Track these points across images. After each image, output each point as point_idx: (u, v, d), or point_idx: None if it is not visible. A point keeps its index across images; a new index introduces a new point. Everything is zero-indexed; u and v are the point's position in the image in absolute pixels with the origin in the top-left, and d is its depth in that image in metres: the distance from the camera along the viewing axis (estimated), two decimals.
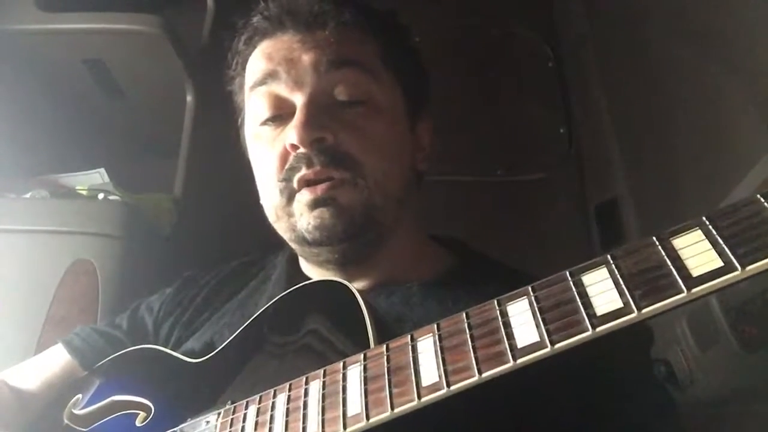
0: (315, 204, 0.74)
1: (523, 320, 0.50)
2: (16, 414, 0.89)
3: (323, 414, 0.57)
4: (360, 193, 0.74)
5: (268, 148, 0.78)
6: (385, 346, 0.57)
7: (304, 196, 0.74)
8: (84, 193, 1.59)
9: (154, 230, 1.51)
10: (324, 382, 0.59)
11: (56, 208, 1.47)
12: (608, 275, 0.48)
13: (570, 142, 2.05)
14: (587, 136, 2.00)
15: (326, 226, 0.73)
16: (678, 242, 0.46)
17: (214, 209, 1.70)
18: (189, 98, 1.66)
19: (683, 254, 0.45)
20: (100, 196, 1.56)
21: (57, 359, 0.95)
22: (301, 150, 0.74)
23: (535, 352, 0.48)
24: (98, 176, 1.66)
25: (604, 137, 1.82)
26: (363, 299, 0.66)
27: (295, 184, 0.75)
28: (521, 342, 0.49)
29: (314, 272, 0.85)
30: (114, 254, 1.39)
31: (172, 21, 1.57)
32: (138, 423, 0.76)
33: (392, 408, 0.52)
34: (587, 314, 0.47)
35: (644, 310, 0.45)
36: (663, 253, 0.46)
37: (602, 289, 0.47)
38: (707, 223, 0.46)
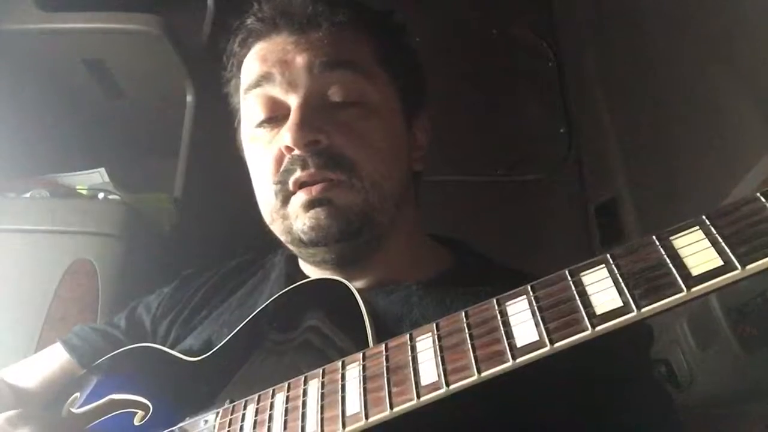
0: (310, 205, 0.74)
1: (522, 319, 0.50)
2: None
3: (322, 413, 0.56)
4: (356, 194, 0.74)
5: (264, 150, 0.78)
6: (384, 345, 0.57)
7: (300, 198, 0.74)
8: (84, 193, 1.59)
9: (154, 230, 1.51)
10: (323, 382, 0.59)
11: (56, 208, 1.46)
12: (608, 274, 0.48)
13: (570, 142, 2.05)
14: (587, 136, 2.00)
15: (322, 227, 0.73)
16: (678, 241, 0.46)
17: (214, 209, 1.70)
18: (189, 98, 1.66)
19: (683, 253, 0.45)
20: (100, 196, 1.56)
21: (56, 358, 0.95)
22: (296, 152, 0.73)
23: (534, 351, 0.48)
24: (98, 176, 1.66)
25: (604, 137, 1.82)
26: (362, 298, 0.66)
27: (290, 187, 0.75)
28: (520, 341, 0.49)
29: (313, 272, 0.85)
30: (114, 254, 1.39)
31: (172, 21, 1.57)
32: (136, 422, 0.76)
33: (391, 407, 0.52)
34: (587, 313, 0.47)
35: (644, 309, 0.45)
36: (663, 252, 0.46)
37: (602, 288, 0.47)
38: (707, 222, 0.46)
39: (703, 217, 0.46)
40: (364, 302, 0.66)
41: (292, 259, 0.88)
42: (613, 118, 1.80)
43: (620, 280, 0.47)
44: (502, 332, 0.50)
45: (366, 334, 0.63)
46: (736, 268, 0.43)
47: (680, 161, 1.42)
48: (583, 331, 0.47)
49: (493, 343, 0.50)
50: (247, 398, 0.65)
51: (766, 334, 1.06)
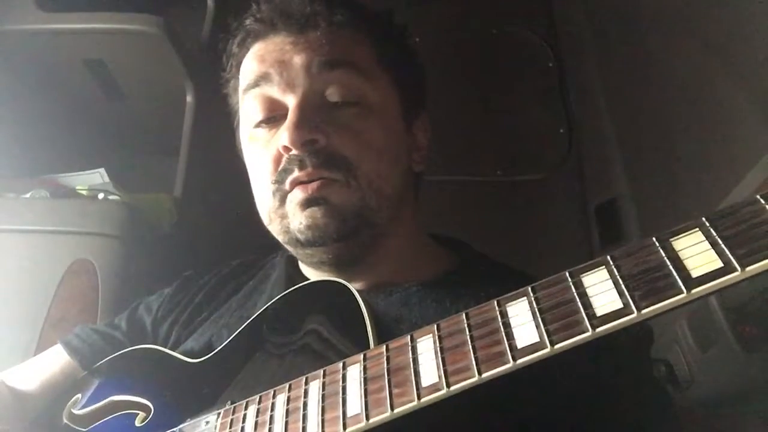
0: (307, 203, 0.74)
1: (523, 320, 0.50)
2: (15, 414, 0.89)
3: (323, 414, 0.57)
4: (353, 193, 0.74)
5: (262, 150, 0.78)
6: (384, 346, 0.57)
7: (296, 196, 0.74)
8: (84, 193, 1.59)
9: (154, 230, 1.51)
10: (324, 383, 0.59)
11: (56, 208, 1.47)
12: (608, 276, 0.48)
13: (570, 143, 2.05)
14: (587, 136, 2.00)
15: (318, 226, 0.73)
16: (678, 243, 0.46)
17: (214, 209, 1.70)
18: (189, 98, 1.66)
19: (683, 255, 0.45)
20: (100, 196, 1.56)
21: (56, 360, 0.95)
22: (294, 152, 0.74)
23: (535, 352, 0.48)
24: (98, 176, 1.66)
25: (604, 137, 1.82)
26: (363, 299, 0.66)
27: (287, 186, 0.75)
28: (521, 342, 0.49)
29: (312, 273, 0.85)
30: (114, 254, 1.39)
31: (172, 21, 1.57)
32: (137, 423, 0.76)
33: (392, 408, 0.53)
34: (587, 315, 0.47)
35: (644, 311, 0.45)
36: (663, 254, 0.46)
37: (602, 290, 0.48)
38: (707, 223, 0.46)
39: (703, 218, 0.46)
40: (365, 304, 0.66)
41: (292, 261, 0.88)
42: (613, 118, 1.80)
43: (620, 281, 0.47)
44: (503, 333, 0.50)
45: (367, 335, 0.63)
46: (736, 270, 0.43)
47: (680, 161, 1.43)
48: (584, 332, 0.47)
49: (493, 344, 0.50)
50: (248, 399, 0.65)
51: (766, 333, 1.06)
